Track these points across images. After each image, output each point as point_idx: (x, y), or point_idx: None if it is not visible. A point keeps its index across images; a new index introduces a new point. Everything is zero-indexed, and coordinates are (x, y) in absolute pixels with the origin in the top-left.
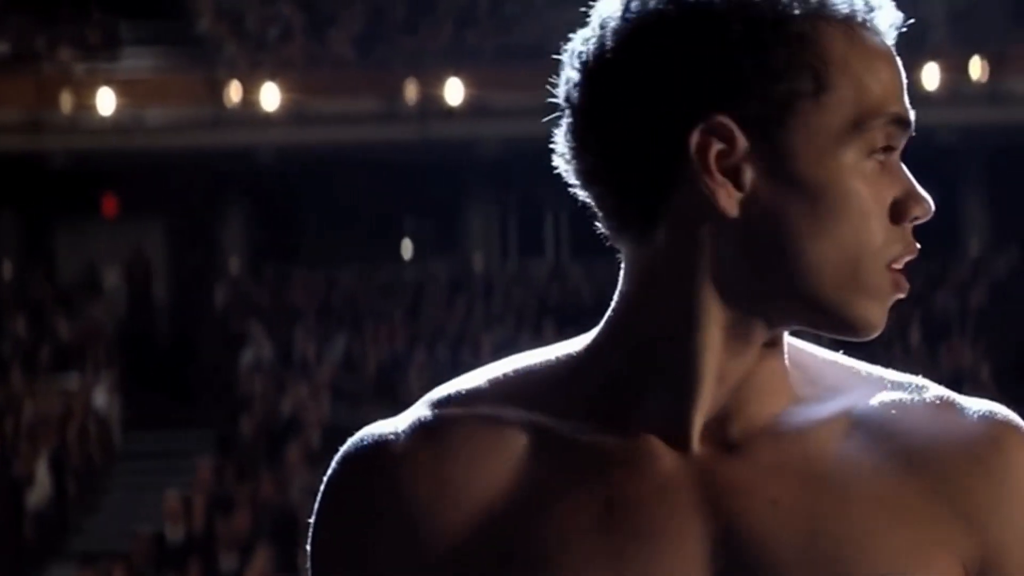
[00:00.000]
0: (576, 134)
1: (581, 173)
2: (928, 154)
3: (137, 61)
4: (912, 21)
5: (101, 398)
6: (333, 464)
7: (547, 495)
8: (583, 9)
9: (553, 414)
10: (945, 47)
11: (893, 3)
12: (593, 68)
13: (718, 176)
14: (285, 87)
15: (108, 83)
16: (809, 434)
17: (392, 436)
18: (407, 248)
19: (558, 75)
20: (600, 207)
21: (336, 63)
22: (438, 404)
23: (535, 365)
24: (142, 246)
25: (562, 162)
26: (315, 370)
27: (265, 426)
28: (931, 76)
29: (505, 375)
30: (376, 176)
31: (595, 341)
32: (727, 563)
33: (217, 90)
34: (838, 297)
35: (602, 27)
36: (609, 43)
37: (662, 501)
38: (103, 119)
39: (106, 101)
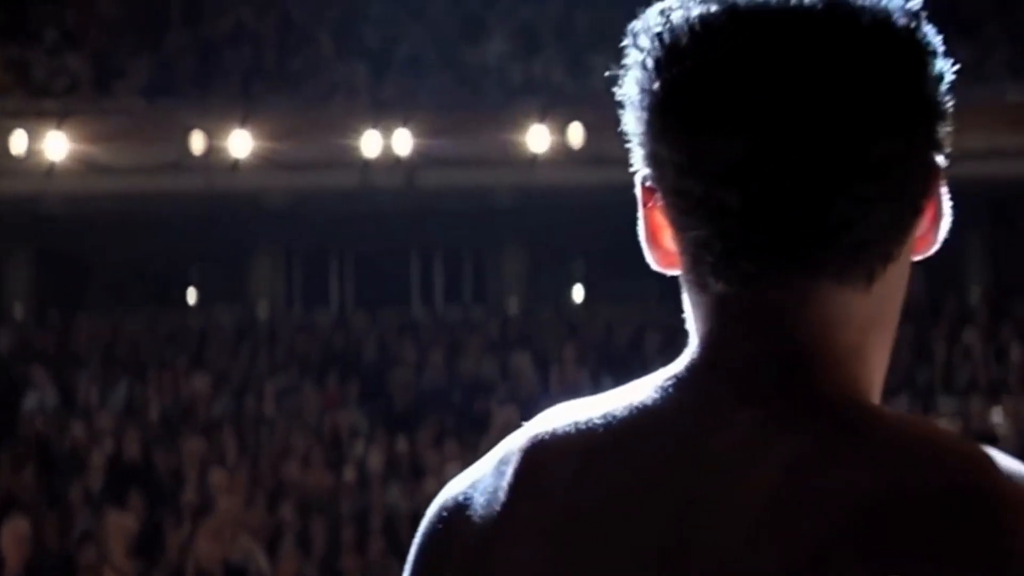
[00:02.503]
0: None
1: (894, 189)
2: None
3: None
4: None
5: None
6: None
7: None
8: (370, 63)
9: None
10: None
11: None
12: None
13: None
14: (71, 137)
15: None
16: None
17: None
18: (192, 296)
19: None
20: (885, 235)
21: (123, 114)
22: None
23: None
24: None
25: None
26: (97, 415)
27: (46, 470)
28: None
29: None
30: (163, 225)
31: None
32: None
33: (3, 138)
34: None
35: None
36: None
37: None
38: None
39: None
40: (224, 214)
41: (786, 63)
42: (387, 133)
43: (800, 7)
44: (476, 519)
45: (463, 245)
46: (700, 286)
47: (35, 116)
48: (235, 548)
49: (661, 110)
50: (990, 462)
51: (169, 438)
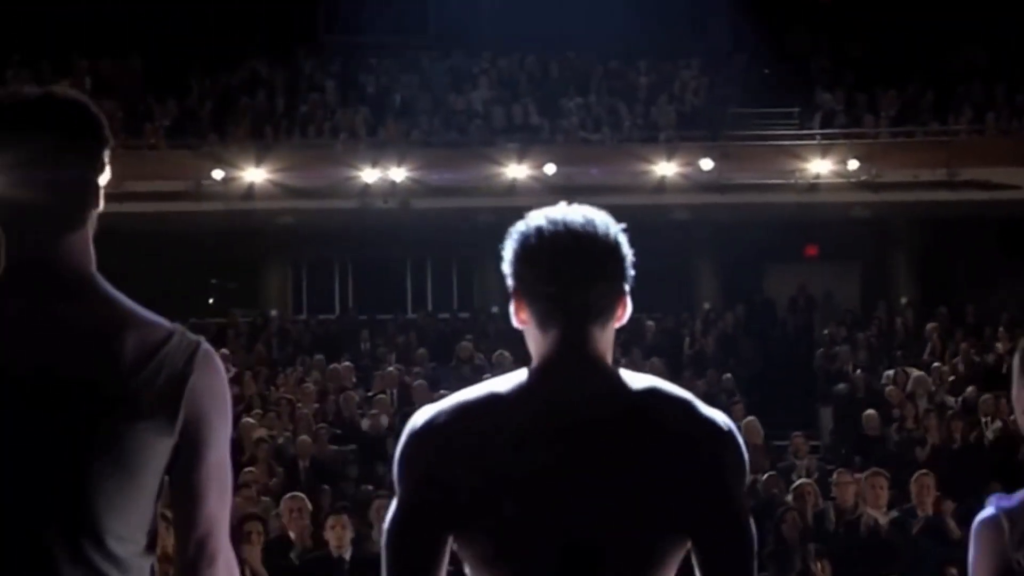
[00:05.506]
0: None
1: (613, 293)
2: (667, 229)
3: None
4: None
5: None
6: None
7: None
8: (369, 109)
9: None
10: (678, 143)
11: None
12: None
13: (627, 308)
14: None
15: None
16: None
17: None
18: (212, 304)
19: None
20: (609, 310)
21: (151, 150)
22: None
23: None
24: None
25: (603, 280)
26: None
27: None
28: (667, 167)
29: None
30: (186, 243)
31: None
32: None
33: None
34: None
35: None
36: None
37: None
38: None
39: None
40: (241, 233)
41: (569, 250)
42: (384, 170)
43: (579, 224)
44: (451, 431)
45: (451, 259)
46: (542, 331)
47: None
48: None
49: (523, 261)
50: (674, 389)
51: None
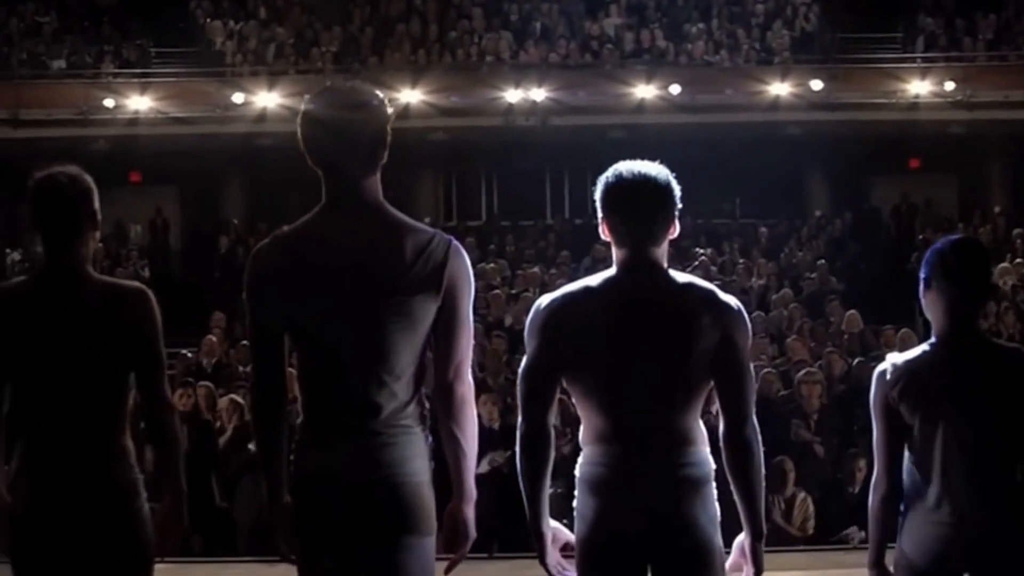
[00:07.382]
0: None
1: (664, 222)
2: (781, 144)
3: (163, 70)
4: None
5: None
6: None
7: None
8: (512, 34)
9: None
10: (791, 65)
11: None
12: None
13: (676, 228)
14: (279, 93)
15: (142, 89)
16: None
17: None
18: None
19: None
20: (661, 233)
21: (318, 74)
22: None
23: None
24: (161, 207)
25: (656, 215)
26: None
27: None
28: (780, 88)
29: None
30: None
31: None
32: None
33: (225, 93)
34: None
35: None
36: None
37: None
38: (135, 114)
39: (138, 102)
40: (396, 148)
41: (636, 192)
42: (526, 90)
43: (640, 176)
44: (561, 311)
45: (586, 170)
46: (619, 249)
47: (250, 76)
48: None
49: (605, 202)
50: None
51: None
